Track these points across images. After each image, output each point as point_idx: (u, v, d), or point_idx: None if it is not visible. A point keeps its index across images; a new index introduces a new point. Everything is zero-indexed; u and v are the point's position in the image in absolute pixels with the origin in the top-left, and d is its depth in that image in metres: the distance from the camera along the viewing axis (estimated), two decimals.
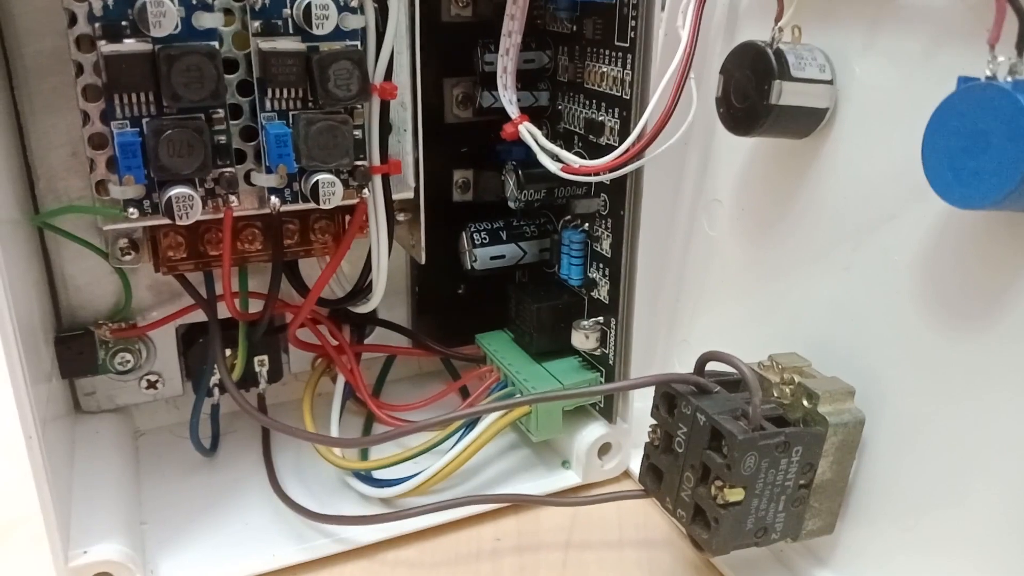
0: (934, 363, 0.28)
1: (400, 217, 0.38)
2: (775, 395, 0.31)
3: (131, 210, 0.29)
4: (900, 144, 0.29)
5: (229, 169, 0.30)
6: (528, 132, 0.34)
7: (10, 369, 0.28)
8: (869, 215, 0.31)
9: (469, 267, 0.40)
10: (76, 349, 0.37)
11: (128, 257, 0.35)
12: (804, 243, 0.34)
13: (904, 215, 0.29)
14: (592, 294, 0.38)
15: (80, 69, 0.29)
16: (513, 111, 0.34)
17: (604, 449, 0.40)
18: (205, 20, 0.28)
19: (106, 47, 0.27)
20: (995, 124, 0.23)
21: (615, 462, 0.40)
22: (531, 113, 0.35)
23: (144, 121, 0.28)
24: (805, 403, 0.30)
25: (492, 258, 0.40)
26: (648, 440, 0.32)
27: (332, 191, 0.31)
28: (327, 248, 0.36)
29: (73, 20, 0.28)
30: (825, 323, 0.33)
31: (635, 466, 0.40)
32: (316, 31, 0.29)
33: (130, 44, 0.27)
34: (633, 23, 0.32)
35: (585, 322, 0.38)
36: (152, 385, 0.40)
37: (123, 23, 0.27)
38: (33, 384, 0.28)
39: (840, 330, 0.32)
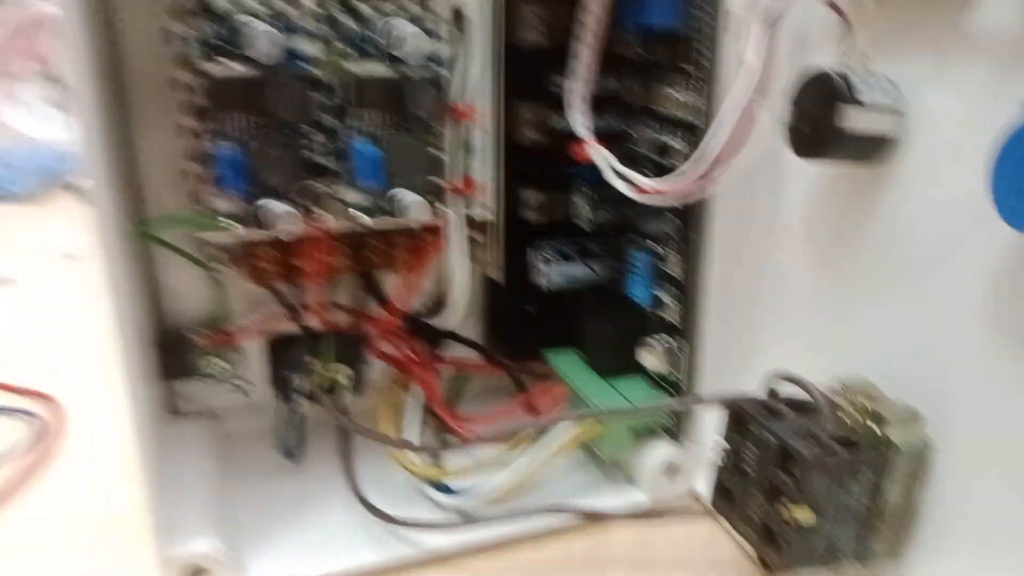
0: (1004, 389, 0.28)
1: (476, 236, 0.39)
2: (844, 419, 0.31)
3: (230, 222, 0.32)
4: (968, 171, 0.29)
5: (320, 185, 0.32)
6: (599, 155, 0.35)
7: (125, 369, 0.30)
8: (938, 241, 0.31)
9: (540, 285, 0.41)
10: (175, 354, 0.39)
11: (224, 268, 0.37)
12: (873, 268, 0.34)
13: (973, 242, 0.29)
14: (660, 314, 0.38)
15: (187, 90, 0.31)
16: (585, 134, 0.36)
17: (672, 469, 0.40)
18: (304, 46, 0.30)
19: (213, 69, 0.30)
20: None
21: (682, 482, 0.40)
22: (602, 136, 0.36)
23: (245, 139, 0.31)
24: (874, 427, 0.30)
25: (563, 277, 0.41)
26: (717, 460, 0.33)
27: (415, 208, 0.33)
28: (408, 264, 0.38)
29: (183, 44, 0.31)
30: (894, 348, 0.33)
31: (702, 487, 0.40)
32: (404, 58, 0.31)
33: (235, 67, 0.30)
34: (702, 50, 0.33)
35: (653, 342, 0.38)
36: (242, 391, 0.42)
37: (229, 48, 0.30)
38: (142, 385, 0.31)
39: (909, 355, 0.32)
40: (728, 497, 0.32)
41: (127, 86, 0.35)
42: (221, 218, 0.32)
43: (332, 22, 0.32)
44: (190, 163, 0.32)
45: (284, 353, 0.42)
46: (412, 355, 0.42)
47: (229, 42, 0.30)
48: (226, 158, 0.30)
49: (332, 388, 0.41)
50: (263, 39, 0.29)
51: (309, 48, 0.31)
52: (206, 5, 0.30)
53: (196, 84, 0.31)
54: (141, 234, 0.36)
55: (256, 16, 0.30)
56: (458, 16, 0.32)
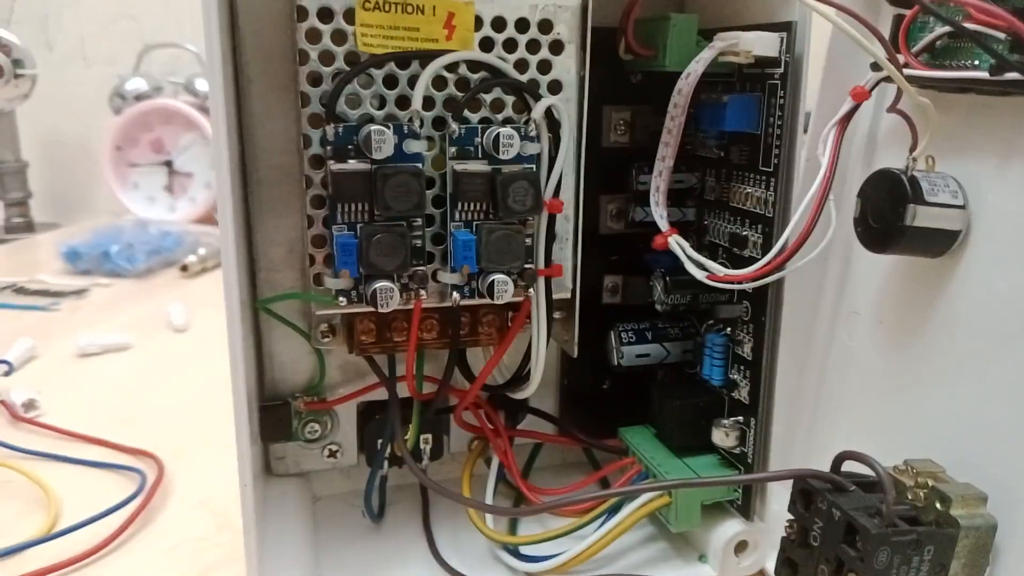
0: None
1: (557, 315, 0.42)
2: (909, 497, 0.32)
3: (341, 299, 0.35)
4: None
5: (421, 268, 0.36)
6: (677, 243, 0.38)
7: (238, 428, 0.34)
8: (1003, 330, 0.33)
9: (616, 363, 0.44)
10: (276, 417, 0.42)
11: (327, 340, 0.41)
12: (940, 355, 0.36)
13: None
14: (733, 394, 0.40)
15: (309, 182, 0.35)
16: (664, 225, 0.38)
17: (741, 547, 0.41)
18: (413, 146, 0.34)
19: (335, 166, 0.34)
20: None
21: (751, 560, 0.41)
22: (679, 227, 0.39)
23: (359, 226, 0.34)
24: (938, 506, 0.31)
25: (638, 356, 0.43)
26: (785, 534, 0.34)
27: (505, 289, 0.36)
28: (492, 339, 0.41)
29: (307, 143, 0.35)
30: (960, 432, 0.34)
31: (771, 565, 0.41)
32: (501, 156, 0.35)
33: (353, 164, 0.34)
34: (776, 150, 0.36)
35: (725, 421, 0.40)
36: (333, 454, 0.45)
37: (349, 147, 0.34)
38: (251, 443, 0.34)
39: (974, 439, 0.33)
40: (794, 569, 0.33)
41: (253, 179, 0.39)
42: (334, 295, 0.35)
43: (440, 124, 0.35)
44: (310, 246, 0.36)
45: (373, 419, 0.45)
46: (492, 425, 0.45)
47: (350, 142, 0.34)
48: (343, 243, 0.34)
49: (416, 453, 0.44)
50: (380, 139, 0.33)
51: (418, 146, 0.35)
52: (334, 114, 0.34)
53: (321, 178, 0.35)
54: (261, 308, 0.40)
55: (374, 121, 0.34)
56: (551, 120, 0.36)
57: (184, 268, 1.03)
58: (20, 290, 0.95)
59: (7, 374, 0.68)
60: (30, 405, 0.61)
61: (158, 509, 0.49)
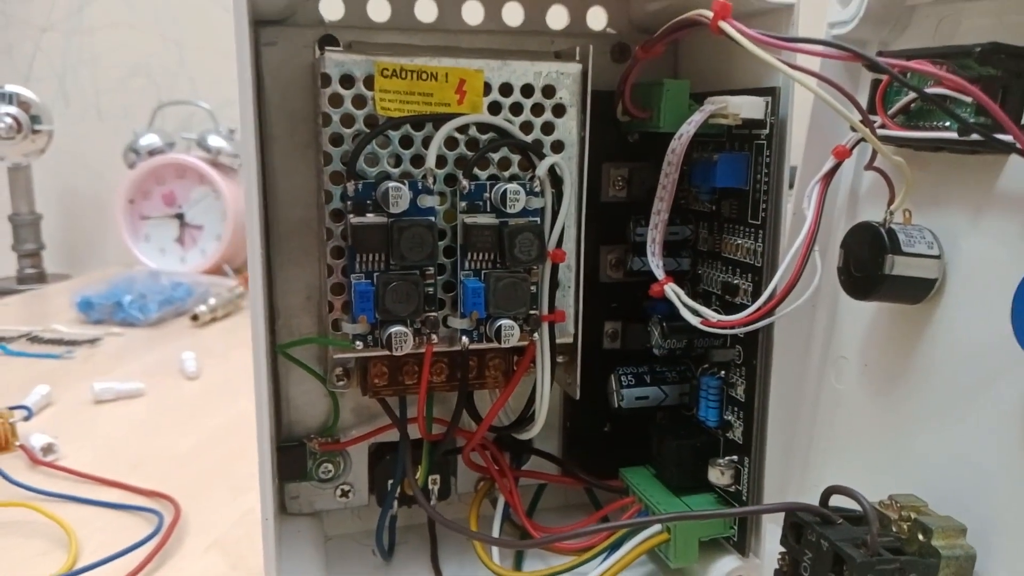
0: None
1: (560, 359, 0.44)
2: (894, 530, 0.34)
3: (358, 343, 0.38)
4: (1002, 309, 0.33)
5: (433, 313, 0.38)
6: (672, 291, 0.40)
7: (261, 469, 0.36)
8: (980, 372, 0.35)
9: (616, 406, 0.46)
10: (291, 457, 0.44)
11: (341, 383, 0.43)
12: (922, 397, 0.38)
13: (1011, 372, 0.33)
14: (727, 435, 0.42)
15: (330, 234, 0.38)
16: (660, 274, 0.41)
17: None
18: (426, 201, 0.37)
19: (354, 219, 0.36)
20: None
21: None
22: (675, 276, 0.41)
23: (376, 275, 0.37)
24: (920, 537, 0.33)
25: (637, 398, 0.45)
26: (777, 567, 0.36)
27: (511, 333, 0.38)
28: (498, 383, 0.43)
29: (328, 198, 0.38)
30: (942, 468, 0.36)
31: None
32: (508, 210, 0.38)
33: (372, 218, 0.37)
34: (764, 204, 0.39)
35: (720, 460, 0.42)
36: (345, 494, 0.47)
37: (368, 202, 0.37)
38: (267, 486, 0.36)
39: (955, 475, 0.35)
40: None
41: (273, 231, 0.42)
42: (351, 339, 0.38)
43: (452, 181, 0.38)
44: (329, 293, 0.38)
45: (384, 460, 0.46)
46: (498, 466, 0.47)
47: (369, 197, 0.37)
48: (361, 290, 0.36)
49: (425, 494, 0.46)
50: (397, 195, 0.36)
51: (431, 201, 0.37)
52: (354, 171, 0.37)
53: (340, 231, 0.38)
54: (280, 352, 0.42)
55: (391, 178, 0.37)
56: (554, 177, 0.39)
57: (195, 318, 1.05)
58: (35, 339, 0.98)
59: (26, 419, 0.70)
60: (48, 449, 0.63)
61: (174, 548, 0.50)
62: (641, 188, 0.45)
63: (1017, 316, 0.30)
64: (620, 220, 0.45)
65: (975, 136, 0.33)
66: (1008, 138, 0.30)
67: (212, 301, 1.09)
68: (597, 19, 0.45)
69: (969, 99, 0.33)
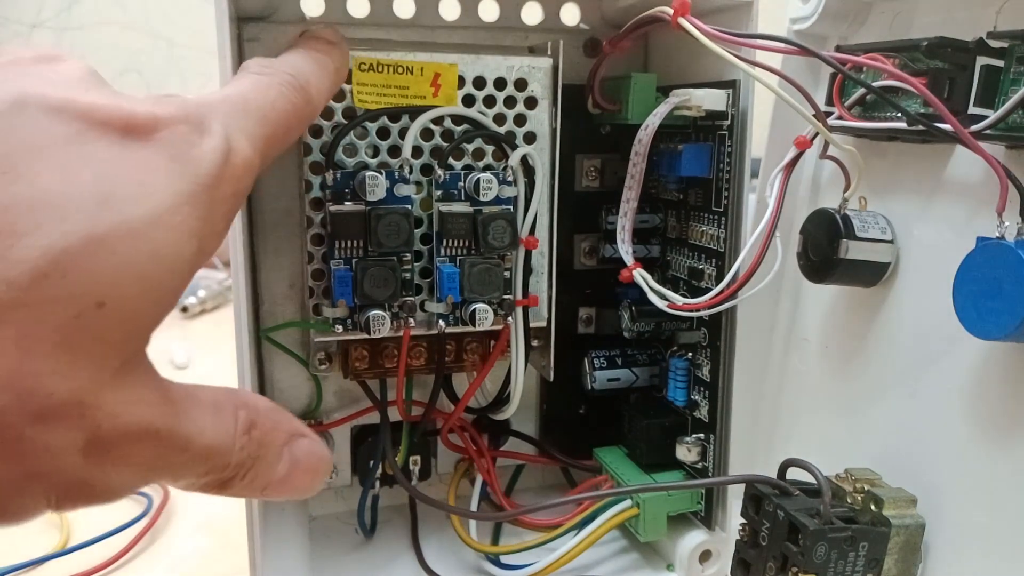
0: (983, 475, 0.33)
1: (534, 342, 0.46)
2: (848, 501, 0.36)
3: (338, 326, 0.39)
4: (947, 291, 0.35)
5: (410, 298, 0.40)
6: (641, 276, 0.42)
7: None
8: (927, 350, 0.37)
9: (589, 388, 0.47)
10: None
11: (324, 367, 0.44)
12: (877, 375, 0.40)
13: (953, 350, 0.35)
14: (694, 414, 0.44)
15: (310, 222, 0.40)
16: (629, 260, 0.42)
17: (705, 556, 0.45)
18: (403, 190, 0.39)
19: (333, 207, 0.38)
20: (1004, 272, 0.29)
21: (715, 568, 0.45)
22: (644, 262, 0.43)
23: (354, 261, 0.38)
24: (872, 508, 0.35)
25: (609, 380, 0.47)
26: (738, 537, 0.38)
27: (485, 317, 0.40)
28: (475, 365, 0.45)
29: (309, 187, 0.39)
30: (894, 442, 0.38)
31: None
32: (482, 198, 0.39)
33: (350, 206, 0.38)
34: (726, 192, 0.41)
35: (688, 438, 0.44)
36: (328, 475, 0.48)
37: (346, 191, 0.38)
38: None
39: (906, 448, 0.37)
40: (747, 569, 0.36)
41: (257, 221, 0.43)
42: (331, 323, 0.39)
43: (428, 170, 0.40)
44: (310, 279, 0.40)
45: (366, 442, 0.48)
46: (476, 446, 0.49)
47: (347, 186, 0.38)
48: (340, 275, 0.38)
49: (406, 474, 0.48)
50: (374, 184, 0.38)
51: (407, 190, 0.39)
52: (333, 161, 0.38)
53: (320, 219, 0.39)
54: (264, 337, 0.44)
55: (368, 167, 0.39)
56: (526, 167, 0.40)
57: (184, 309, 1.07)
58: None
59: None
60: None
61: (163, 529, 0.52)
62: (614, 178, 0.47)
63: (958, 296, 0.32)
64: (593, 209, 0.47)
65: (919, 126, 0.34)
66: (948, 127, 0.32)
67: (201, 293, 1.10)
68: (571, 15, 0.47)
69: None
